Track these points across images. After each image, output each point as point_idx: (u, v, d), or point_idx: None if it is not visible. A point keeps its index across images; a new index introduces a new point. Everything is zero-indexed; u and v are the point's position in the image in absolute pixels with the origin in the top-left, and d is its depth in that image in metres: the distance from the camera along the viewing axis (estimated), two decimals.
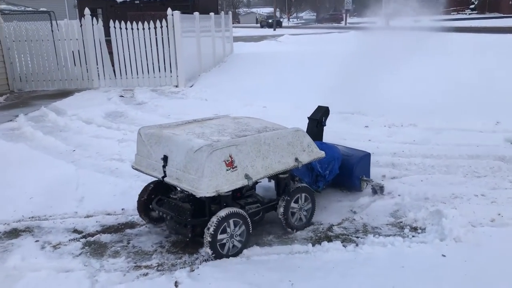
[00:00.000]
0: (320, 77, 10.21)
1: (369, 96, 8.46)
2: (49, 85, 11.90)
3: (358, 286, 2.92)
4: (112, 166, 5.49)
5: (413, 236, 3.58)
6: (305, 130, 4.54)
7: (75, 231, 3.81)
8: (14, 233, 3.79)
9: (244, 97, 9.46)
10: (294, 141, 3.60)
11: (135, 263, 3.25)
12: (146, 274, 3.10)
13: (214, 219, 3.14)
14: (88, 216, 4.04)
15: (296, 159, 3.59)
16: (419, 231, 3.68)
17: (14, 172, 5.20)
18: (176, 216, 3.38)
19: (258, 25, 64.94)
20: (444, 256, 3.21)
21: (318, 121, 4.61)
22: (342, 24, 51.21)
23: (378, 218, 3.95)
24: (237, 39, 24.33)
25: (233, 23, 22.52)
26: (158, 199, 3.67)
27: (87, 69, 11.75)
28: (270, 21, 59.56)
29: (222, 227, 3.16)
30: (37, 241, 3.64)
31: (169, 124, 3.75)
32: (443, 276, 3.00)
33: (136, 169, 3.64)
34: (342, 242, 3.47)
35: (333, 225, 3.84)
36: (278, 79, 11.40)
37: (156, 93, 10.88)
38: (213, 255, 3.17)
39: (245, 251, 3.34)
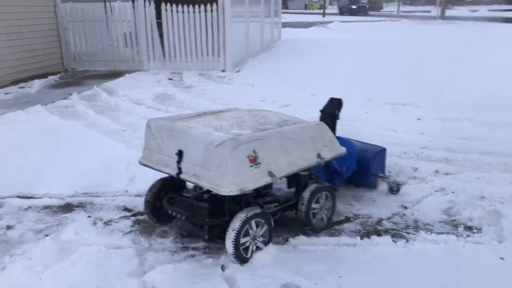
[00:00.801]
0: (369, 66, 9.95)
1: (422, 87, 8.17)
2: (101, 65, 12.23)
3: (408, 282, 2.83)
4: None
5: (467, 236, 3.42)
6: None
7: (125, 209, 3.90)
8: (68, 208, 3.92)
9: (291, 83, 9.36)
10: (317, 136, 3.34)
11: (182, 244, 3.29)
12: (193, 256, 3.13)
13: (236, 222, 2.90)
14: (138, 195, 4.12)
15: (319, 155, 3.34)
16: (475, 230, 3.51)
17: (68, 148, 5.39)
18: (192, 216, 3.13)
19: (307, 11, 62.71)
20: (503, 259, 3.05)
21: (332, 114, 4.41)
22: (393, 12, 48.81)
23: (430, 215, 3.80)
24: (285, 24, 24.05)
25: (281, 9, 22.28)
26: (169, 198, 3.40)
27: (137, 51, 11.98)
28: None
29: (245, 229, 2.94)
30: (89, 216, 3.75)
31: (180, 116, 3.54)
32: (501, 280, 2.85)
33: (144, 164, 3.34)
34: (392, 237, 3.37)
35: (383, 219, 3.73)
36: (327, 67, 11.20)
37: (203, 77, 10.96)
38: (238, 260, 2.96)
39: (291, 240, 3.30)
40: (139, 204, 3.96)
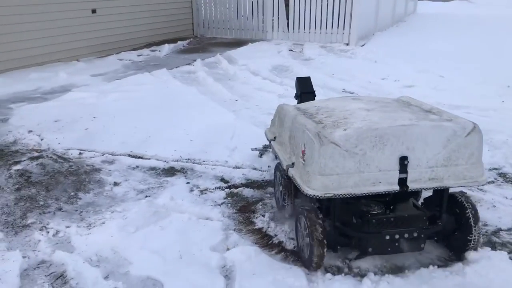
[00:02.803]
0: None
1: None
2: (228, 33, 12.55)
3: None
4: (268, 121, 5.48)
5: None
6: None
7: (222, 179, 3.90)
8: (170, 172, 4.06)
9: (418, 62, 8.58)
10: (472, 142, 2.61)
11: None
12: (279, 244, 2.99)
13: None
14: (236, 167, 4.11)
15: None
16: None
17: (181, 113, 5.60)
18: (416, 230, 2.57)
19: None
20: None
21: (312, 94, 3.93)
22: None
23: None
24: None
25: None
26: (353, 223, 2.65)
27: (263, 20, 12.02)
28: None
29: None
30: (187, 183, 3.83)
31: (315, 109, 2.99)
32: None
33: (330, 197, 2.40)
34: (509, 254, 2.86)
35: (501, 230, 3.20)
36: (462, 46, 10.05)
37: (325, 49, 10.60)
38: None
39: None
40: (236, 176, 3.95)
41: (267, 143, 4.43)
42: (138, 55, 9.55)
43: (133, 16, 10.29)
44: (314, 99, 3.97)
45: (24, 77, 7.20)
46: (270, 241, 2.96)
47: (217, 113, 5.68)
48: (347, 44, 11.07)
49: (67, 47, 8.62)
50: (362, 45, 11.03)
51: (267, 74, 8.06)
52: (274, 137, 3.20)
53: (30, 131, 4.91)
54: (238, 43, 11.36)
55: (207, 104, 6.05)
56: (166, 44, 10.37)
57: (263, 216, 3.24)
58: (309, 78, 4.06)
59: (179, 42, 10.96)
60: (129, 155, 4.39)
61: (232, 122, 5.35)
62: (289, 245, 2.91)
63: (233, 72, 8.20)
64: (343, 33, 11.20)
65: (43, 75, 7.34)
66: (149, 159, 4.32)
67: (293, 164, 2.66)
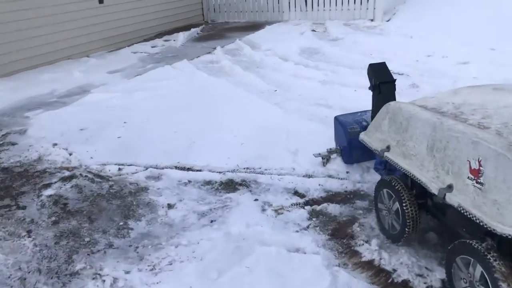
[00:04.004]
0: None
1: None
2: (240, 16, 11.77)
3: None
4: (320, 113, 4.82)
5: None
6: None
7: (296, 193, 3.26)
8: (231, 186, 3.41)
9: (459, 34, 7.80)
10: None
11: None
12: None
13: None
14: (308, 176, 3.46)
15: None
16: None
17: (221, 110, 4.93)
18: None
19: None
20: None
21: (393, 83, 3.16)
22: None
23: None
24: None
25: None
26: None
27: (278, 0, 11.22)
28: None
29: None
30: (256, 200, 3.19)
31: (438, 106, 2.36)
32: None
33: None
34: None
35: None
36: (502, 11, 9.22)
37: (350, 27, 9.83)
38: None
39: None
40: (312, 188, 3.30)
41: (330, 144, 3.78)
42: (152, 46, 8.82)
43: (141, 5, 9.52)
44: (395, 90, 3.28)
45: (35, 79, 6.50)
46: (391, 279, 2.33)
47: (260, 107, 5.00)
48: (372, 20, 10.30)
49: (76, 42, 7.90)
50: (388, 20, 10.25)
51: (298, 58, 7.34)
52: (387, 146, 2.50)
53: (54, 144, 4.25)
54: (254, 27, 10.59)
55: (245, 98, 5.37)
56: (181, 33, 9.61)
57: (368, 243, 2.60)
58: (384, 64, 3.37)
59: (192, 30, 10.19)
60: (177, 167, 3.74)
61: (281, 117, 4.68)
62: (419, 284, 2.27)
63: (259, 59, 7.48)
64: (367, 9, 10.42)
65: (55, 76, 6.64)
66: (200, 170, 3.67)
67: (450, 186, 1.98)
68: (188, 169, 3.70)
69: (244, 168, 3.63)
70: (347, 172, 3.44)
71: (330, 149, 3.60)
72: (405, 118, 2.32)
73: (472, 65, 6.18)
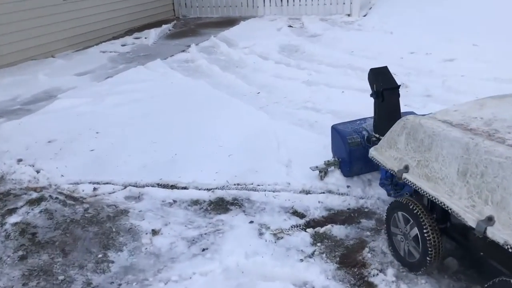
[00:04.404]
0: None
1: None
2: (213, 11, 11.39)
3: None
4: (309, 117, 4.54)
5: None
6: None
7: (295, 212, 2.96)
8: (222, 206, 3.08)
9: (439, 30, 7.69)
10: None
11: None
12: None
13: None
14: (305, 192, 3.16)
15: None
16: None
17: (202, 117, 4.57)
18: None
19: None
20: None
21: (397, 89, 2.97)
22: None
23: None
24: None
25: None
26: None
27: None
28: None
29: None
30: (251, 222, 2.87)
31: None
32: None
33: None
34: None
35: None
36: (475, 8, 9.14)
37: (327, 23, 9.60)
38: None
39: None
40: (311, 206, 3.01)
41: (323, 153, 3.51)
42: (122, 45, 8.33)
43: (109, 0, 8.99)
44: (399, 96, 3.02)
45: None
46: None
47: (244, 113, 4.68)
48: (349, 15, 10.11)
49: (40, 41, 7.33)
50: (364, 15, 10.09)
51: (278, 57, 7.04)
52: (405, 166, 2.22)
53: (19, 160, 3.80)
54: (228, 22, 10.22)
55: (228, 102, 5.04)
56: (152, 30, 9.14)
57: (383, 272, 2.33)
58: (386, 68, 3.09)
59: (163, 26, 9.73)
60: (159, 185, 3.38)
61: (268, 123, 4.37)
62: None
63: (237, 58, 7.14)
64: (344, 3, 10.22)
65: (18, 79, 6.11)
66: (186, 188, 3.33)
67: (490, 219, 1.71)
68: (172, 187, 3.35)
69: (235, 184, 3.31)
70: (348, 187, 3.16)
71: (328, 161, 3.32)
72: (428, 136, 2.05)
73: (458, 62, 6.03)
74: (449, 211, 1.90)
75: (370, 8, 10.67)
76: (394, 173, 2.31)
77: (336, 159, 3.31)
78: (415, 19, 8.72)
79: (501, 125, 1.92)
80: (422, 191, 2.08)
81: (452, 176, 1.91)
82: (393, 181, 2.73)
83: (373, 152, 2.54)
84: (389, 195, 2.84)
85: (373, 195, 3.07)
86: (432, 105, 4.55)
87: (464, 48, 6.70)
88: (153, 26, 9.77)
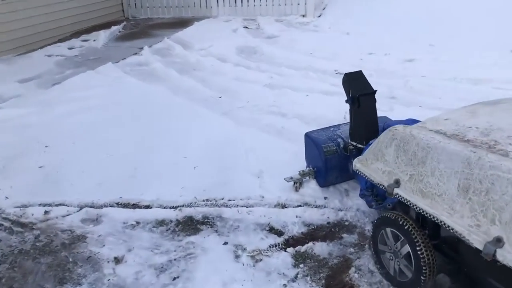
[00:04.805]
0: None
1: None
2: (165, 12, 10.99)
3: None
4: (275, 123, 4.35)
5: None
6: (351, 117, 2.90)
7: (272, 229, 2.75)
8: (191, 225, 2.82)
9: (397, 30, 7.72)
10: None
11: None
12: None
13: None
14: (281, 206, 2.96)
15: None
16: None
17: (163, 126, 4.28)
18: None
19: None
20: None
21: (373, 95, 2.87)
22: None
23: None
24: None
25: None
26: None
27: None
28: None
29: None
30: (225, 243, 2.63)
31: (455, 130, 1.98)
32: None
33: None
34: None
35: None
36: (428, 6, 9.28)
37: (283, 24, 9.48)
38: None
39: None
40: (289, 221, 2.81)
41: (294, 162, 3.33)
42: (70, 48, 7.81)
43: (52, 0, 8.41)
44: (375, 102, 2.88)
45: None
46: None
47: (207, 119, 4.43)
48: (304, 16, 10.03)
49: None
50: (319, 16, 10.05)
51: (236, 59, 6.82)
52: (396, 181, 2.06)
53: None
54: (181, 23, 9.87)
55: (188, 108, 4.76)
56: (101, 31, 8.65)
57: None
58: (361, 72, 2.95)
59: (113, 27, 9.24)
60: (119, 204, 3.06)
61: (233, 130, 4.15)
62: None
63: (194, 60, 6.85)
64: (298, 4, 10.13)
65: None
66: (149, 207, 3.04)
67: (499, 240, 1.57)
68: (134, 206, 3.05)
69: (204, 200, 3.05)
70: (325, 198, 2.99)
71: (303, 171, 3.13)
72: (422, 148, 1.90)
73: (417, 62, 6.05)
74: (451, 230, 1.75)
75: (324, 9, 10.64)
76: (384, 188, 2.14)
77: (311, 168, 3.13)
78: (370, 20, 8.74)
79: (500, 136, 1.79)
80: (417, 208, 1.92)
81: (451, 193, 1.76)
82: (373, 192, 2.58)
83: (357, 165, 2.36)
84: (370, 206, 2.69)
85: (351, 206, 2.91)
86: (398, 107, 4.49)
87: (421, 47, 6.77)
88: (101, 27, 9.26)
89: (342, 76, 2.90)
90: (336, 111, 4.39)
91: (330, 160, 2.96)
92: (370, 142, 2.60)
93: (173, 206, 3.01)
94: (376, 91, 2.87)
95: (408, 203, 1.97)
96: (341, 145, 2.99)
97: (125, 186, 3.23)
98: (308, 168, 3.15)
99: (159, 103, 4.89)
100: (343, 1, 11.19)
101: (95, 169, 3.49)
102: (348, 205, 2.93)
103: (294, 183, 3.10)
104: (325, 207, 2.92)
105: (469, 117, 2.04)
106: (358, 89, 2.83)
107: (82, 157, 3.69)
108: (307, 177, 3.13)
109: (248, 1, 10.36)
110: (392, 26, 8.02)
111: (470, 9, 7.90)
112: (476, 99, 4.62)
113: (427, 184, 1.87)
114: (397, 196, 2.04)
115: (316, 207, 2.93)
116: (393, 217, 2.13)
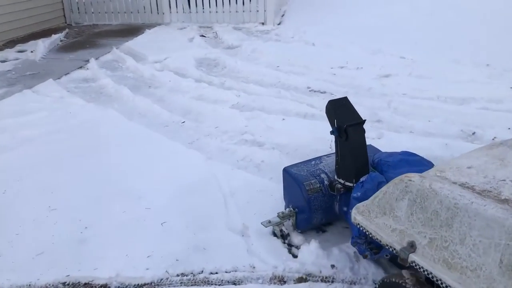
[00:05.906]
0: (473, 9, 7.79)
1: None
2: (112, 18, 10.13)
3: None
4: (252, 156, 3.73)
5: None
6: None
7: None
8: None
9: (364, 41, 7.32)
10: None
11: None
12: None
13: None
14: (279, 280, 2.33)
15: None
16: None
17: (114, 162, 3.55)
18: None
19: None
20: None
21: (362, 125, 2.45)
22: None
23: None
24: None
25: None
26: None
27: (156, 0, 9.80)
28: None
29: None
30: None
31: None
32: None
33: None
34: None
35: None
36: (393, 17, 9.02)
37: (242, 32, 8.90)
38: None
39: None
40: None
41: (279, 206, 2.76)
42: (2, 61, 6.81)
43: None
44: (364, 132, 2.35)
45: None
46: None
47: (172, 152, 3.74)
48: (263, 24, 9.51)
49: None
50: (279, 24, 9.56)
51: (197, 73, 6.14)
52: (411, 244, 1.51)
53: None
54: (131, 31, 9.06)
55: (147, 137, 4.05)
56: (40, 40, 7.67)
57: None
58: (347, 99, 2.42)
59: (54, 36, 8.27)
60: (66, 285, 2.32)
61: (205, 168, 3.49)
62: None
63: (149, 75, 6.11)
64: (257, 11, 9.59)
65: None
66: (106, 287, 2.32)
67: None
68: (86, 286, 2.32)
69: (179, 275, 2.37)
70: (332, 266, 2.40)
71: (282, 213, 2.61)
72: (447, 208, 1.38)
73: (394, 78, 5.61)
74: None
75: (283, 16, 10.16)
76: (395, 252, 1.61)
77: (292, 209, 2.58)
78: (334, 29, 8.31)
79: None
80: (442, 284, 1.40)
81: (490, 269, 1.26)
82: (367, 240, 2.06)
83: (358, 217, 1.80)
84: (364, 257, 2.18)
85: (366, 275, 2.34)
86: (388, 134, 4.00)
87: (393, 61, 6.38)
88: (40, 35, 8.29)
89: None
90: (319, 138, 3.85)
91: (314, 200, 2.45)
92: (361, 179, 2.19)
93: (138, 285, 2.31)
94: (365, 120, 2.35)
95: (430, 275, 1.44)
96: (326, 182, 2.49)
97: (73, 257, 2.50)
98: (288, 209, 2.62)
99: (111, 133, 4.14)
100: (301, 8, 10.77)
101: (33, 230, 2.72)
102: (361, 274, 2.36)
103: (274, 227, 2.55)
104: (333, 279, 2.33)
105: (497, 165, 1.55)
106: (344, 118, 2.31)
107: (15, 211, 2.90)
108: (288, 220, 2.58)
109: (203, 7, 9.68)
110: (358, 37, 7.62)
111: (437, 21, 7.66)
112: (468, 122, 4.29)
113: (454, 253, 1.36)
114: (413, 264, 1.51)
115: (323, 280, 2.33)
116: (400, 282, 1.61)
